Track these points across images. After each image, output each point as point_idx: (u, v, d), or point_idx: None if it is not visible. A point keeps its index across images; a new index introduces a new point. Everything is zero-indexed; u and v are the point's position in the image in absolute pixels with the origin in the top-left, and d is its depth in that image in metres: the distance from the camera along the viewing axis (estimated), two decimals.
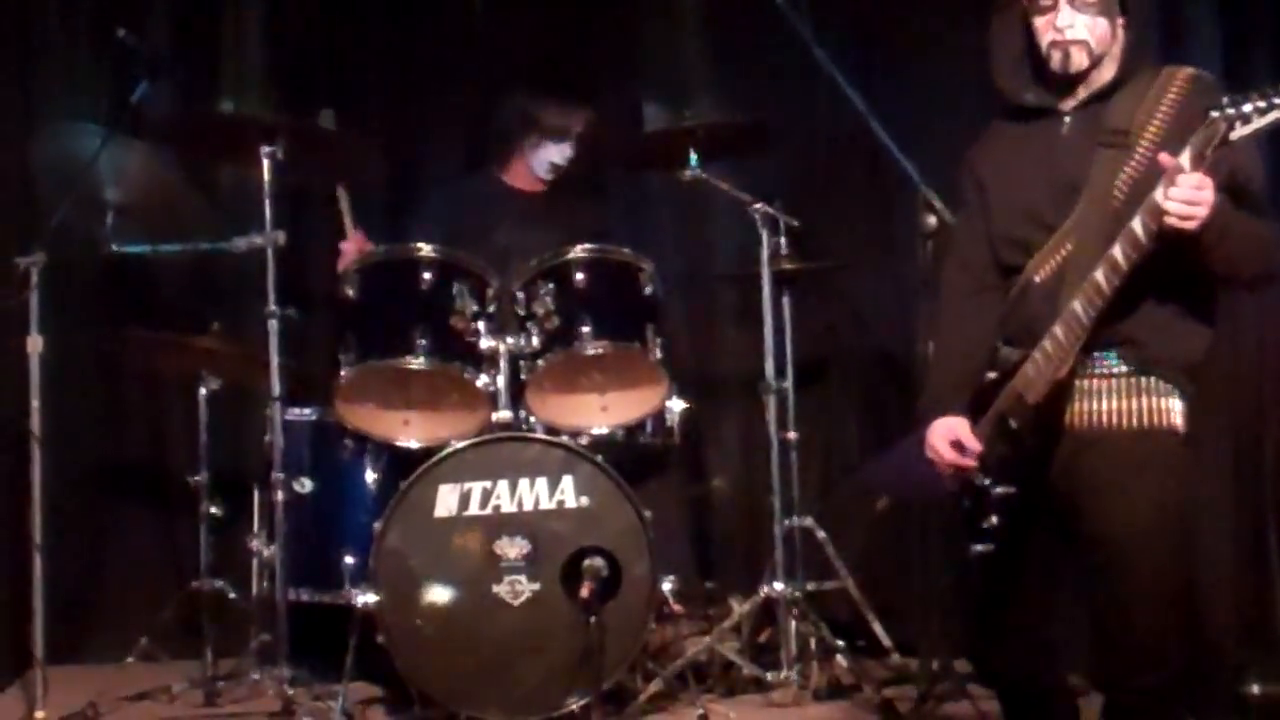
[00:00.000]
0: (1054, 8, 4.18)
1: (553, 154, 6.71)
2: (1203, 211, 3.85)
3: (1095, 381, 4.16)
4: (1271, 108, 3.82)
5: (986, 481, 4.19)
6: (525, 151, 6.75)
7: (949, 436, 4.26)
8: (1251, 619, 6.66)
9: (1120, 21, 4.26)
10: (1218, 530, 6.76)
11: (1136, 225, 3.93)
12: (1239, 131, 3.83)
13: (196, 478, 6.48)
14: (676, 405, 6.26)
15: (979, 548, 4.22)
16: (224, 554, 6.59)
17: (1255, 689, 6.51)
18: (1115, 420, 4.16)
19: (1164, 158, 3.91)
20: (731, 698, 5.97)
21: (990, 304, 4.38)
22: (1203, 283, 4.13)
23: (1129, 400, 4.15)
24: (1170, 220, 3.86)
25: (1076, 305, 4.02)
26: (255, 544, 6.47)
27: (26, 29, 7.26)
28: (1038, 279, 4.17)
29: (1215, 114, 3.86)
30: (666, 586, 5.74)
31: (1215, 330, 4.32)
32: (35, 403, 5.90)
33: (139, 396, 7.34)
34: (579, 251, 5.97)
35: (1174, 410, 4.15)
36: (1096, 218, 4.11)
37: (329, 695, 5.76)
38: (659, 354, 6.01)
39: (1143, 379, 4.15)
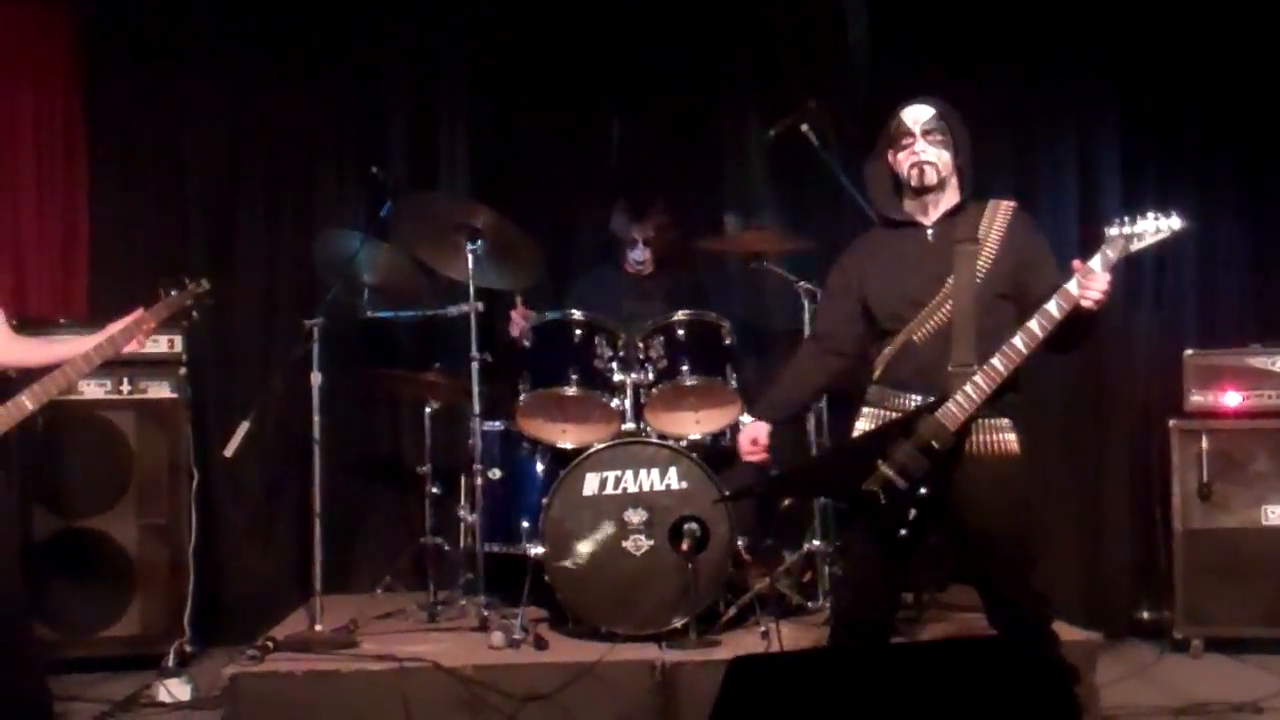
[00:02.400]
0: (913, 140, 4.36)
1: (635, 254, 6.69)
2: (1103, 299, 4.08)
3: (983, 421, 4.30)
4: (1158, 230, 4.10)
5: (906, 486, 4.22)
6: (619, 254, 6.76)
7: (751, 435, 4.65)
8: (1143, 564, 6.81)
9: (951, 151, 4.41)
10: (1118, 501, 6.90)
11: (1051, 306, 4.12)
12: (1135, 246, 4.10)
13: (423, 468, 6.56)
14: (746, 419, 5.80)
15: (903, 533, 4.24)
16: (441, 519, 6.62)
17: (1145, 614, 6.68)
18: (994, 449, 4.34)
19: (1076, 263, 4.11)
20: (784, 619, 5.87)
21: (826, 365, 4.59)
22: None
23: (996, 435, 4.34)
24: (1086, 303, 4.05)
25: (996, 361, 4.17)
26: (462, 512, 6.51)
27: (311, 165, 7.28)
28: (916, 339, 4.31)
29: (1116, 232, 4.11)
30: (740, 543, 5.83)
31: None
32: (316, 418, 6.03)
33: (385, 414, 7.36)
34: (680, 315, 6.02)
35: (1014, 440, 4.35)
36: (965, 294, 4.26)
37: (512, 615, 5.82)
38: (734, 384, 6.03)
39: (1000, 420, 4.35)
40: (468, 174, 7.38)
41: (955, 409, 4.22)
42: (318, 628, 5.94)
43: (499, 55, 7.34)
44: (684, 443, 6.01)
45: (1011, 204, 4.48)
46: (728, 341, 6.07)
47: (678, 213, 6.85)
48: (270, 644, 5.65)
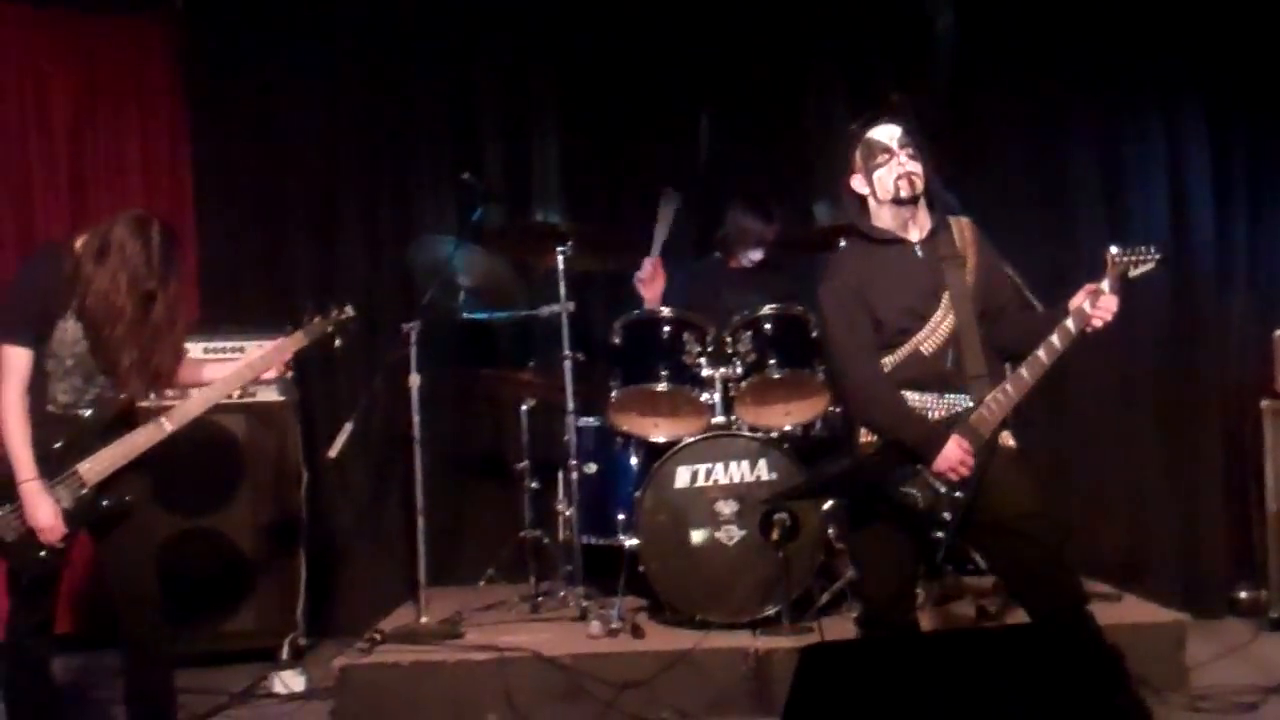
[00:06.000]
0: (892, 156, 4.46)
1: (753, 254, 6.73)
2: (1111, 319, 4.32)
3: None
4: (1153, 259, 4.35)
5: (944, 489, 4.35)
6: (737, 250, 6.78)
7: (963, 446, 4.34)
8: (1239, 544, 6.82)
9: (923, 165, 4.53)
10: (1212, 481, 6.92)
11: (1069, 324, 4.35)
12: (1135, 271, 4.34)
13: (521, 464, 6.65)
14: (835, 410, 6.22)
15: (939, 534, 4.36)
16: (541, 513, 6.70)
17: (1242, 594, 6.72)
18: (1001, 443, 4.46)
19: (1090, 286, 4.36)
20: None
21: (882, 370, 4.51)
22: None
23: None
24: (1096, 323, 4.30)
25: (1024, 371, 4.37)
26: (560, 506, 6.55)
27: (406, 172, 7.43)
28: (924, 350, 4.43)
29: (1123, 259, 4.36)
30: (830, 531, 5.94)
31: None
32: (416, 418, 6.19)
33: (483, 412, 7.47)
34: (767, 310, 6.11)
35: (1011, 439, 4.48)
36: (964, 306, 4.42)
37: (609, 605, 5.96)
38: (822, 377, 6.07)
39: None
40: (559, 173, 7.50)
41: (988, 414, 4.38)
42: (423, 620, 6.10)
43: (588, 56, 7.49)
44: (774, 434, 6.09)
45: (968, 220, 4.67)
46: (815, 334, 6.09)
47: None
48: (378, 636, 5.84)
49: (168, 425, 4.79)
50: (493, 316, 6.90)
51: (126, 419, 4.83)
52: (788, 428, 6.21)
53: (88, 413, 4.73)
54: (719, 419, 6.14)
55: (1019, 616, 5.01)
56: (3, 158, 6.70)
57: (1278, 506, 6.52)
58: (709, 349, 6.18)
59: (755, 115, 7.46)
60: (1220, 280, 7.11)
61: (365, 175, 7.49)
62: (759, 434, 6.06)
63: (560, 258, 6.25)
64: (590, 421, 6.54)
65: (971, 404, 4.40)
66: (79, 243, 4.67)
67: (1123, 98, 7.25)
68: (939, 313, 4.46)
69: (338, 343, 5.27)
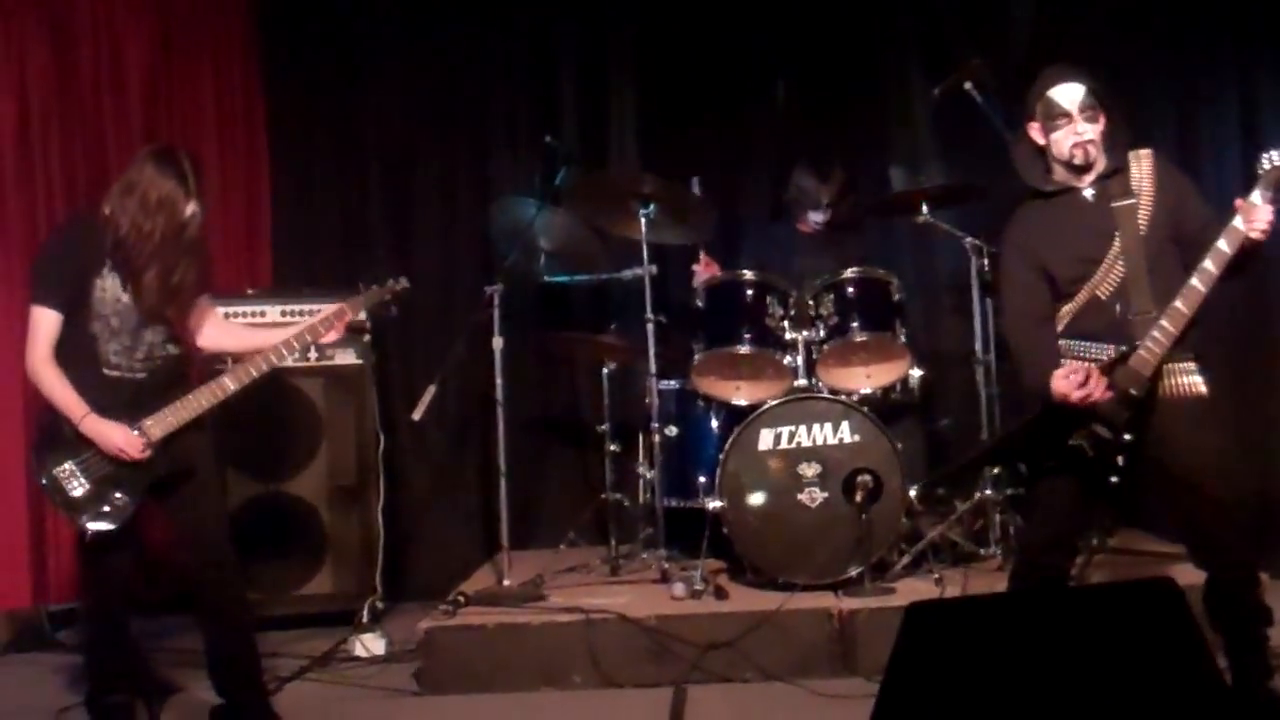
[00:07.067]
0: (1071, 121, 4.48)
1: (816, 215, 6.76)
2: (1269, 229, 4.26)
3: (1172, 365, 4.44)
4: None
5: (1111, 435, 4.37)
6: (799, 212, 6.83)
7: (1071, 372, 4.36)
8: None
9: (1103, 121, 4.55)
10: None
11: (1223, 244, 4.28)
12: None
13: (602, 426, 6.68)
14: (916, 373, 6.32)
15: (1114, 479, 4.39)
16: (621, 476, 6.72)
17: None
18: (1182, 391, 4.46)
19: (1239, 201, 4.27)
20: (955, 567, 6.09)
21: (1049, 329, 4.56)
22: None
23: (1183, 379, 4.46)
24: (1254, 235, 4.24)
25: (1179, 303, 4.33)
26: (641, 469, 6.63)
27: (485, 135, 7.51)
28: (1100, 294, 4.47)
29: (1269, 164, 4.26)
30: (912, 493, 5.96)
31: None
32: (499, 380, 6.22)
33: (564, 375, 7.52)
34: (849, 273, 6.17)
35: (1200, 383, 4.45)
36: (1133, 246, 4.42)
37: (692, 567, 5.94)
38: (903, 339, 6.16)
39: (1186, 363, 4.47)
40: (637, 138, 7.53)
41: (1146, 354, 4.36)
42: (506, 582, 6.14)
43: (666, 19, 7.49)
44: (856, 397, 6.12)
45: (1149, 151, 4.62)
46: (896, 297, 6.19)
47: (849, 172, 6.91)
48: (462, 598, 5.87)
49: (230, 384, 4.86)
50: (574, 280, 6.91)
51: (183, 379, 4.91)
52: (867, 390, 6.24)
53: (141, 375, 4.80)
54: (801, 381, 6.18)
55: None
56: (77, 114, 6.69)
57: None
58: (791, 312, 6.21)
59: (832, 81, 7.46)
60: None
61: (443, 136, 7.52)
62: (841, 397, 6.08)
63: (643, 220, 6.26)
64: (672, 384, 6.57)
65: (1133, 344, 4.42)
66: (106, 199, 4.75)
67: (1198, 56, 7.17)
68: (1111, 254, 4.49)
69: (393, 311, 5.48)
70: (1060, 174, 4.64)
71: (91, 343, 4.71)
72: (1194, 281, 4.34)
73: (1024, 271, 4.60)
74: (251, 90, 7.47)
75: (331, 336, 5.19)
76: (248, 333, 5.30)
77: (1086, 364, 4.42)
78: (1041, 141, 4.63)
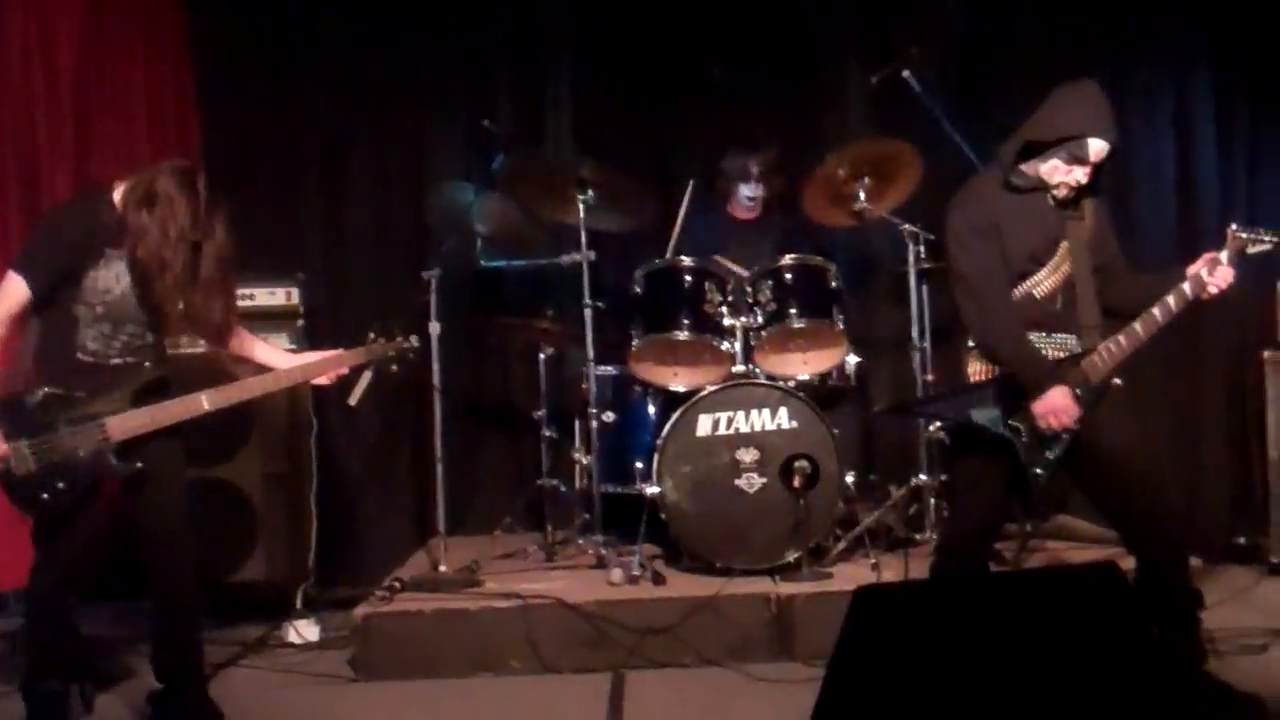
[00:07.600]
0: (1085, 167, 4.65)
1: (746, 190, 6.77)
2: (1224, 290, 4.56)
3: None
4: (1271, 240, 4.61)
5: (1047, 429, 4.60)
6: (731, 194, 6.85)
7: (1069, 397, 4.59)
8: (1240, 491, 6.90)
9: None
10: (1214, 430, 7.03)
11: (1186, 288, 4.59)
12: (1252, 249, 4.60)
13: (539, 412, 6.69)
14: (852, 359, 6.43)
15: (1039, 471, 4.64)
16: (558, 461, 6.76)
17: (1242, 540, 6.78)
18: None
19: (1209, 254, 4.60)
20: (891, 551, 6.15)
21: (1010, 296, 4.71)
22: None
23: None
24: (1210, 289, 4.54)
25: (1137, 326, 4.62)
26: (578, 454, 6.66)
27: (420, 120, 7.44)
28: (1036, 294, 4.68)
29: (1243, 235, 4.59)
30: (849, 479, 5.97)
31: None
32: (435, 365, 6.17)
33: (500, 360, 7.49)
34: (788, 259, 6.19)
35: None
36: (1081, 258, 4.69)
37: (629, 553, 5.97)
38: (840, 326, 6.19)
39: None
40: (572, 124, 7.49)
41: (1100, 362, 4.64)
42: (442, 568, 6.10)
43: (602, 4, 7.48)
44: (793, 383, 6.17)
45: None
46: (834, 284, 6.23)
47: (783, 156, 6.90)
48: (398, 584, 5.86)
49: (206, 404, 4.81)
50: (511, 265, 6.88)
51: (163, 386, 4.84)
52: (804, 376, 6.28)
53: (116, 361, 4.73)
54: (739, 367, 6.21)
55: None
56: (6, 96, 6.57)
57: (1278, 454, 6.56)
58: (730, 298, 6.23)
59: (768, 67, 7.44)
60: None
61: (377, 119, 7.46)
62: (779, 383, 6.12)
63: (581, 206, 6.27)
64: (609, 370, 6.57)
65: (1081, 348, 4.66)
66: (118, 192, 4.68)
67: (1133, 58, 7.27)
68: (1055, 259, 4.70)
69: (394, 368, 5.36)
70: (1030, 173, 4.78)
71: (71, 325, 4.66)
72: (1155, 311, 4.61)
73: (987, 242, 4.71)
74: (184, 75, 7.34)
75: (323, 381, 5.19)
76: (267, 350, 5.22)
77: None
78: (1044, 165, 4.73)
